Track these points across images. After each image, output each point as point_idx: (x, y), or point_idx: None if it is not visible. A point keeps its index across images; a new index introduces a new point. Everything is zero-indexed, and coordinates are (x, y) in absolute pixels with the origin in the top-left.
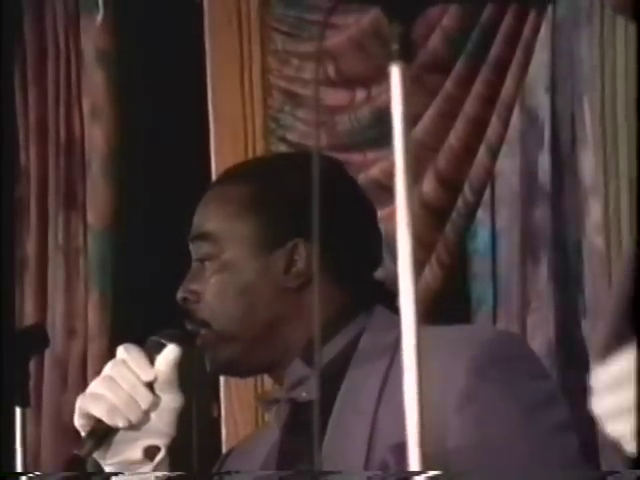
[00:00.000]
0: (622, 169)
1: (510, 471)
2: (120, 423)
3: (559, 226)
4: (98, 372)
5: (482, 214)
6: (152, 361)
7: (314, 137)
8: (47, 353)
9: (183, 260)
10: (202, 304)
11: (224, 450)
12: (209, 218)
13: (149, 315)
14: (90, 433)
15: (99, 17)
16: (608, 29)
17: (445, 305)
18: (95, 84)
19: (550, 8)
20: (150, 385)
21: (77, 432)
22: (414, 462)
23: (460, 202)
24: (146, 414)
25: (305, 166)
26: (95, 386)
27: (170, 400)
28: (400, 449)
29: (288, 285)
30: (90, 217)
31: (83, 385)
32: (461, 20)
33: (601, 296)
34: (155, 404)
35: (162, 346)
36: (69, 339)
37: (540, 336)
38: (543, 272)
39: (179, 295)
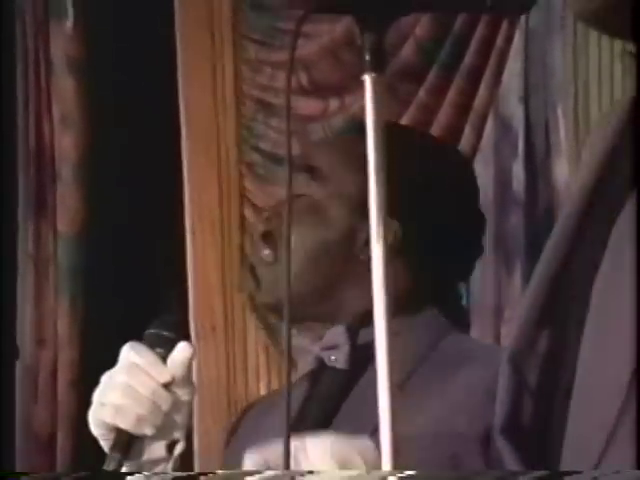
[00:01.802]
0: None
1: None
2: (148, 432)
3: (533, 234)
4: (69, 381)
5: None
6: (162, 358)
7: (287, 146)
8: (17, 362)
9: (154, 267)
10: (277, 232)
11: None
12: (321, 155)
13: (120, 323)
14: (114, 445)
15: (69, 23)
16: (581, 37)
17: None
18: (65, 91)
19: (523, 17)
20: (166, 385)
21: (48, 441)
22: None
23: None
24: (167, 414)
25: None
26: (115, 397)
27: (185, 394)
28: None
29: (362, 257)
30: (60, 225)
31: (54, 394)
32: (434, 29)
33: None
34: (174, 403)
35: (166, 339)
36: (39, 348)
37: None
38: (517, 280)
39: (264, 214)
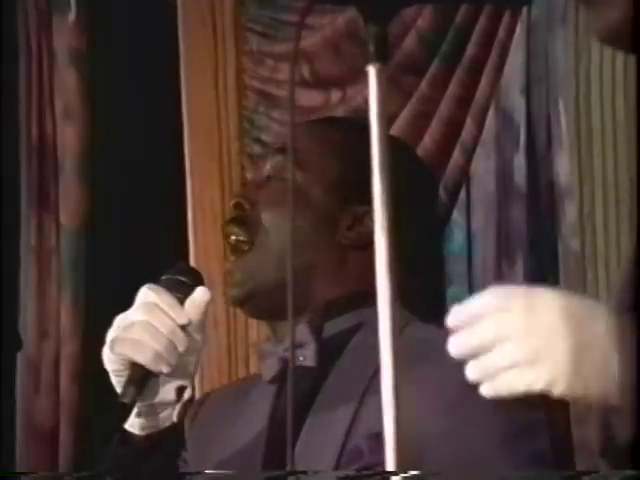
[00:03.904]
0: (597, 171)
1: (485, 472)
2: (164, 369)
3: (534, 227)
4: (71, 374)
5: (457, 215)
6: (180, 301)
7: (289, 138)
8: (19, 355)
9: (157, 260)
10: (252, 217)
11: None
12: (300, 141)
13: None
14: (130, 379)
15: (71, 16)
16: (583, 30)
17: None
18: (68, 84)
19: (525, 9)
20: (184, 328)
21: (49, 434)
22: (390, 461)
23: None
24: (181, 357)
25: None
26: (134, 332)
27: (198, 341)
28: (376, 439)
29: (343, 241)
30: (63, 217)
31: (56, 387)
32: (436, 21)
33: None
34: (189, 346)
35: (182, 284)
36: (41, 341)
37: None
38: (518, 273)
39: (233, 200)
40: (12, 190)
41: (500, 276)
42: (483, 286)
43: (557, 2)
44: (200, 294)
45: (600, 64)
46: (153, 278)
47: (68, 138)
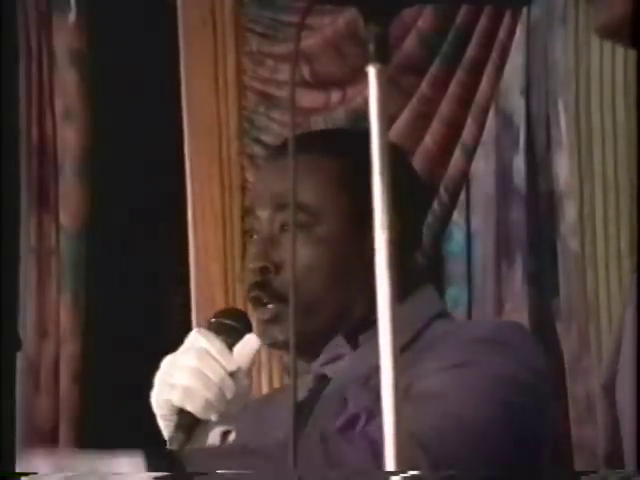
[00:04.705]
0: (597, 171)
1: (487, 471)
2: (214, 417)
3: (534, 228)
4: (71, 374)
5: (457, 216)
6: (229, 346)
7: (289, 138)
8: (19, 356)
9: (156, 261)
10: (281, 276)
11: None
12: (304, 188)
13: (122, 317)
14: (178, 426)
15: (72, 16)
16: (582, 31)
17: None
18: (68, 84)
19: (525, 10)
20: (232, 374)
21: (49, 434)
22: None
23: (435, 204)
24: (228, 404)
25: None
26: (186, 378)
27: (244, 387)
28: (374, 414)
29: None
30: (63, 218)
31: (56, 388)
32: (436, 22)
33: (575, 298)
34: (236, 393)
35: (232, 328)
36: (41, 341)
37: None
38: (518, 274)
39: (257, 264)
40: (12, 191)
41: (499, 277)
42: (482, 286)
43: (557, 3)
44: (250, 342)
45: (600, 64)
46: (152, 279)
47: (68, 138)
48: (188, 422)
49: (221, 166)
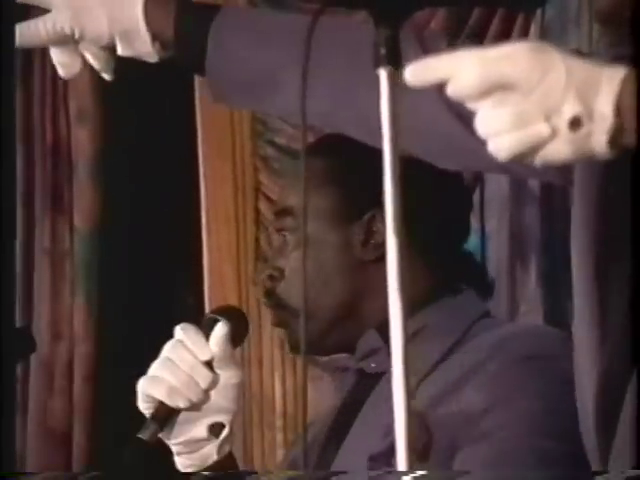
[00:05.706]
0: None
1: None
2: (181, 404)
3: (548, 229)
4: (84, 376)
5: (471, 217)
6: (209, 339)
7: (302, 140)
8: (33, 357)
9: (170, 263)
10: (284, 282)
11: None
12: (290, 193)
13: (135, 319)
14: (153, 416)
15: None
16: (596, 33)
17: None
18: (81, 86)
19: (538, 11)
20: (209, 364)
21: (62, 436)
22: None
23: None
24: (207, 393)
25: None
26: (154, 369)
27: (230, 376)
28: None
29: (366, 258)
30: (76, 220)
31: (69, 389)
32: (449, 24)
33: None
34: (215, 382)
35: (216, 322)
36: (55, 343)
37: None
38: (532, 275)
39: (265, 273)
40: (26, 192)
41: (514, 277)
42: (497, 288)
43: (571, 4)
44: (218, 328)
45: None
46: (165, 280)
47: (82, 140)
48: (163, 412)
49: (234, 167)
